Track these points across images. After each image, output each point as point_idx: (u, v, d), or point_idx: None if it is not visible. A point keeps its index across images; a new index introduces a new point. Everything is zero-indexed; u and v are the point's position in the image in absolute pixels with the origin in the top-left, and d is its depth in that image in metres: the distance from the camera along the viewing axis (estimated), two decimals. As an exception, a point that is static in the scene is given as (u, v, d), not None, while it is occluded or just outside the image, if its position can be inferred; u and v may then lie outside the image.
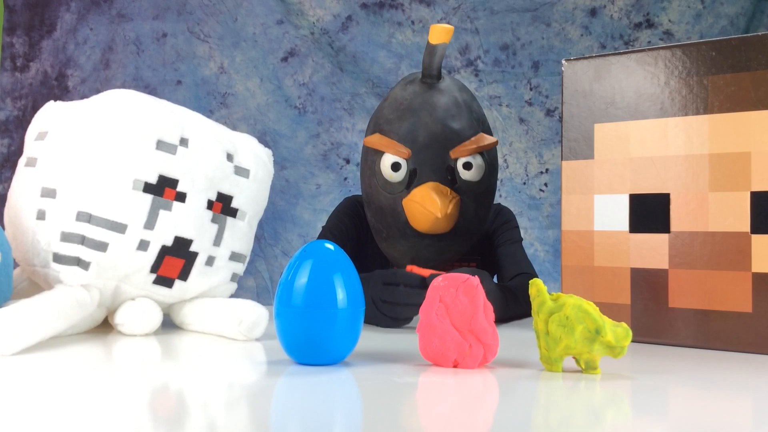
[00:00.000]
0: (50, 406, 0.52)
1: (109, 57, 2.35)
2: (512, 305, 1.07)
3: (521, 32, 2.19)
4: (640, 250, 0.87)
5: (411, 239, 1.09)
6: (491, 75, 2.20)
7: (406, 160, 1.08)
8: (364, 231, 1.23)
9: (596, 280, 0.90)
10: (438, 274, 0.92)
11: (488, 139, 1.11)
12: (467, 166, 1.09)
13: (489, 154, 1.13)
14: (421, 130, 1.08)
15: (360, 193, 1.29)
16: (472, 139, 1.10)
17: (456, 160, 1.09)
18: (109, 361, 0.73)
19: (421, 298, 0.94)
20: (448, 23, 2.18)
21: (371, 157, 1.13)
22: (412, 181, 1.08)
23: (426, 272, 0.98)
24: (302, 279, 0.66)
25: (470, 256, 1.22)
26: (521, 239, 1.28)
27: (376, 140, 1.11)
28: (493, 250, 1.22)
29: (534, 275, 1.20)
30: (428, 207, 1.04)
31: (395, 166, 1.09)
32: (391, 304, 0.96)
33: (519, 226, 1.28)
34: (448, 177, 1.08)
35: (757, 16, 2.09)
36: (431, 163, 1.08)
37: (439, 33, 1.04)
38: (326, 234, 1.22)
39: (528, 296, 1.12)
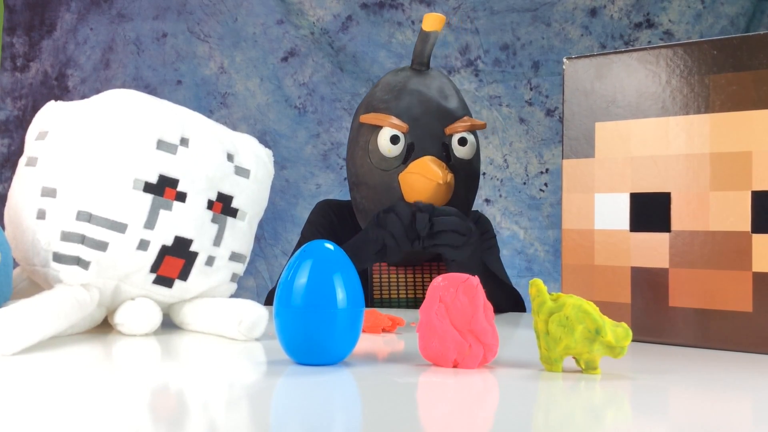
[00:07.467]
0: (50, 406, 0.52)
1: (109, 57, 2.35)
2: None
3: (521, 32, 2.18)
4: (640, 249, 0.87)
5: None
6: (491, 75, 2.20)
7: (404, 134, 1.12)
8: (340, 233, 1.23)
9: (596, 279, 0.90)
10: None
11: (478, 121, 1.17)
12: (462, 141, 1.14)
13: (476, 138, 1.18)
14: (418, 107, 1.13)
15: (331, 198, 1.31)
16: (464, 117, 1.15)
17: (451, 136, 1.13)
18: (109, 361, 0.73)
19: (407, 232, 1.04)
20: (449, 23, 2.18)
21: (364, 137, 1.15)
22: (409, 155, 1.12)
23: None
24: (302, 279, 0.66)
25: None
26: (499, 251, 1.31)
27: (372, 117, 1.14)
28: None
29: (516, 292, 1.21)
30: (428, 175, 1.08)
31: (394, 139, 1.12)
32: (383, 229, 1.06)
33: (496, 236, 1.32)
34: (443, 153, 1.13)
35: (757, 16, 2.08)
36: (429, 137, 1.12)
37: (433, 21, 1.10)
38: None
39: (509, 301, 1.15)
